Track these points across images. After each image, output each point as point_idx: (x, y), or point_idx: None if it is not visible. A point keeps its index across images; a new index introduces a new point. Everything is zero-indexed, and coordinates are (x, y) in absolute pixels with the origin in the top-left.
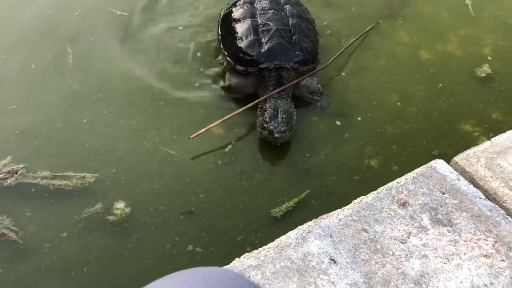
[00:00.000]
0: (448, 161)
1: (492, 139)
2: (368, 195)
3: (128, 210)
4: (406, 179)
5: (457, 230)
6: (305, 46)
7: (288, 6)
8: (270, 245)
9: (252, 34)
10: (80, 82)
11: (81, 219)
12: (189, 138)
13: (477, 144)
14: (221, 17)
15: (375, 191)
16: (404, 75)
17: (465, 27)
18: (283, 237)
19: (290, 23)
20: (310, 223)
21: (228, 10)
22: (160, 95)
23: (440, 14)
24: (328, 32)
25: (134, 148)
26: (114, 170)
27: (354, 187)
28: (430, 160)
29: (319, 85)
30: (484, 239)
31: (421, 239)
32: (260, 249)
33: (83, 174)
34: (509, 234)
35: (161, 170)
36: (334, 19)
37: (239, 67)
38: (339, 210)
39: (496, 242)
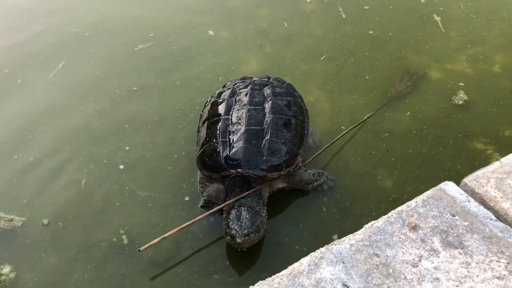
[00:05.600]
0: (460, 181)
1: (502, 159)
2: (379, 219)
3: (12, 275)
4: (416, 202)
5: (469, 252)
6: (277, 149)
7: (270, 98)
8: (283, 272)
9: (219, 136)
10: None
11: None
12: (138, 250)
13: (490, 163)
14: (203, 109)
15: (386, 215)
16: (415, 95)
17: (474, 46)
18: (296, 264)
19: (265, 121)
20: (322, 249)
21: (209, 103)
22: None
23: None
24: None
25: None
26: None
27: None
28: (444, 180)
29: (309, 171)
30: (496, 261)
31: (433, 262)
32: (273, 276)
33: (12, 217)
34: None
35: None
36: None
37: (204, 172)
38: (350, 235)
39: (508, 263)
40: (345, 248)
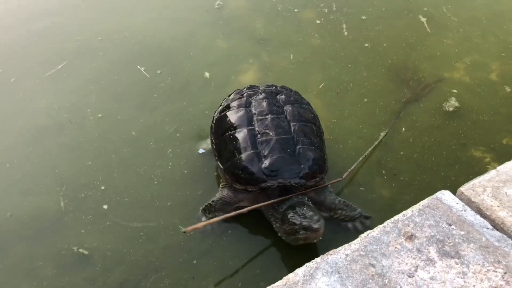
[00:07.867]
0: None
1: (498, 167)
2: (374, 229)
3: None
4: (412, 211)
5: (465, 262)
6: (311, 156)
7: (288, 106)
8: (278, 283)
9: (250, 147)
10: None
11: None
12: (183, 231)
13: (487, 171)
14: (214, 121)
15: (381, 225)
16: (411, 103)
17: (470, 54)
18: (290, 275)
19: (292, 129)
20: (317, 259)
21: (222, 114)
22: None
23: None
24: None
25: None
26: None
27: None
28: (441, 189)
29: (336, 197)
30: (493, 271)
31: (429, 272)
32: (268, 287)
33: None
34: None
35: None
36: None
37: (237, 186)
38: (346, 245)
39: (505, 273)
40: (340, 258)
